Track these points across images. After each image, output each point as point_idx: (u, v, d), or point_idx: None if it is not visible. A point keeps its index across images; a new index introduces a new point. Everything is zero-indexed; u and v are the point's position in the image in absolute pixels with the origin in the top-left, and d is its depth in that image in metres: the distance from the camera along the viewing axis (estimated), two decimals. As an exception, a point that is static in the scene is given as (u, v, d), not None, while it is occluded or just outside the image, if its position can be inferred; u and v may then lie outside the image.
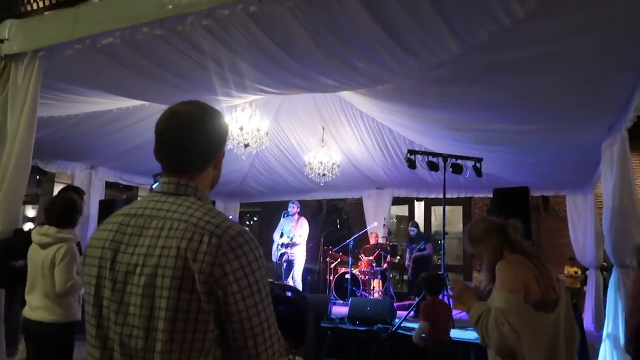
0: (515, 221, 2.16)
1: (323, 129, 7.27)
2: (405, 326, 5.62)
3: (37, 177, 9.60)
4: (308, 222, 7.91)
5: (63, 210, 3.19)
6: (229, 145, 5.77)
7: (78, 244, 3.26)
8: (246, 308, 1.05)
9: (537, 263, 2.02)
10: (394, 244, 8.80)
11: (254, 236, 1.12)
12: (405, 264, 8.28)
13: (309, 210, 11.58)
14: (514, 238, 2.10)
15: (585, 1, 2.63)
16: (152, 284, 1.04)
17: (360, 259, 8.38)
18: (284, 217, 7.82)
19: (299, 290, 2.37)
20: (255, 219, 14.54)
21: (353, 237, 8.61)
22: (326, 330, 4.06)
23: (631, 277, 3.89)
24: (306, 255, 7.74)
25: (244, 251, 1.06)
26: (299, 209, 7.93)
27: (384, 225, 8.76)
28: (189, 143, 1.17)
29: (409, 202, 11.71)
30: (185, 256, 1.03)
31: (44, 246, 3.10)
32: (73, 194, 3.39)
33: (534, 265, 1.99)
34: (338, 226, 9.50)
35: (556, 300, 1.93)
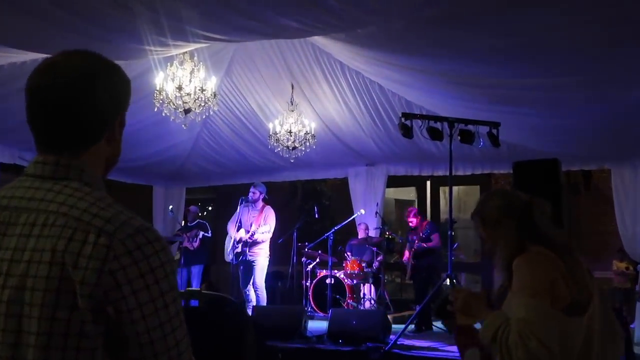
0: (542, 201, 2.19)
1: (292, 87, 7.30)
2: (402, 344, 5.76)
3: None
4: (278, 212, 7.80)
5: None
6: (163, 111, 5.75)
7: None
8: (147, 330, 1.02)
9: (568, 258, 2.06)
10: (391, 237, 8.89)
11: (160, 235, 1.10)
12: (404, 259, 8.27)
13: (281, 195, 11.59)
14: (540, 224, 2.12)
15: None
16: (19, 300, 1.01)
17: (345, 259, 8.51)
18: (242, 205, 7.76)
19: (233, 302, 2.44)
20: (209, 208, 14.53)
21: (333, 230, 8.58)
22: (276, 351, 4.07)
23: None
24: (270, 255, 7.62)
25: (144, 254, 1.04)
26: (263, 195, 7.72)
27: (376, 213, 8.85)
28: (70, 107, 1.12)
29: (418, 182, 11.78)
30: (63, 262, 1.00)
31: None
32: None
33: (563, 260, 2.03)
34: (317, 216, 9.57)
35: (589, 299, 1.98)
